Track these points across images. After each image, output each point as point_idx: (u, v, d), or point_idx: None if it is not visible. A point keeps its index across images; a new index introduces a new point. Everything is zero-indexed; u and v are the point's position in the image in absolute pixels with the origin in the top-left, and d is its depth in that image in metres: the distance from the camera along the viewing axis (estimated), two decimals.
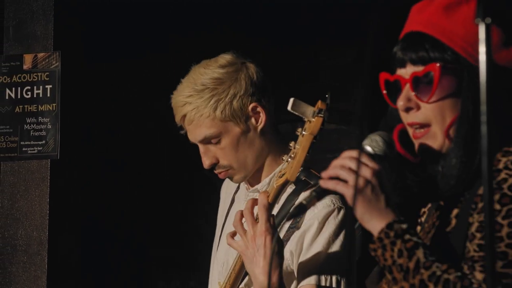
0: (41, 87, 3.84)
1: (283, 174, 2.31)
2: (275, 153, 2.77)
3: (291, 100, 2.25)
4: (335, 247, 2.56)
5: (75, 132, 3.87)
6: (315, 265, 2.54)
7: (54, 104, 3.81)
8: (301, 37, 4.41)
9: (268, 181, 2.76)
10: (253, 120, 2.74)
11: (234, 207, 2.92)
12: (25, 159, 3.82)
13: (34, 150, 3.82)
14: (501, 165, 1.84)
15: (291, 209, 2.30)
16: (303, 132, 2.26)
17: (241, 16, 4.34)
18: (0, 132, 3.88)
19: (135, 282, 4.16)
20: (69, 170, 3.84)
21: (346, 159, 1.91)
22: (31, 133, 3.84)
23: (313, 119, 2.24)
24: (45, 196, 3.77)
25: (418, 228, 2.08)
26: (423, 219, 2.08)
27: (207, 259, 3.13)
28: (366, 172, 1.88)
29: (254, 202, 2.37)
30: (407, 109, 1.95)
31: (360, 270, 2.28)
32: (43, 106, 3.83)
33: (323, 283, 2.51)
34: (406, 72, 1.95)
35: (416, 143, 1.97)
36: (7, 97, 3.89)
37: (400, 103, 1.94)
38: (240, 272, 2.51)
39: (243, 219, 2.40)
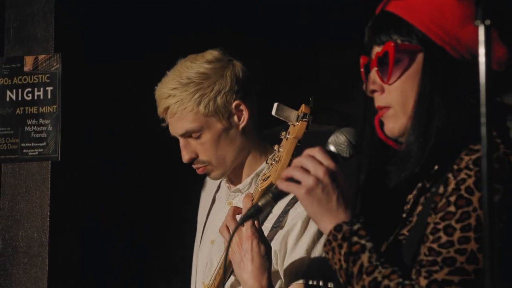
0: (42, 89, 3.85)
1: (267, 177, 2.31)
2: (256, 153, 2.78)
3: (275, 105, 2.26)
4: (320, 245, 2.56)
5: (76, 134, 3.87)
6: (302, 265, 2.54)
7: (55, 106, 3.82)
8: (301, 37, 4.39)
9: (250, 181, 2.77)
10: (235, 118, 2.75)
11: (216, 206, 2.93)
12: (26, 160, 3.84)
13: (35, 152, 3.83)
14: (462, 164, 1.78)
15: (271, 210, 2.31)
16: (287, 136, 2.26)
17: (241, 16, 4.33)
18: (1, 134, 3.90)
19: (136, 282, 4.16)
20: (70, 172, 3.85)
21: (303, 158, 1.87)
22: (32, 134, 3.85)
23: (298, 123, 2.23)
24: (45, 197, 3.77)
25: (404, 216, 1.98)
26: (409, 206, 1.99)
27: None
28: (318, 171, 1.84)
29: (236, 210, 2.38)
30: (372, 92, 1.90)
31: None
32: (44, 108, 3.84)
33: (310, 282, 2.51)
34: (374, 53, 1.90)
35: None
36: (7, 99, 3.90)
37: (367, 86, 1.90)
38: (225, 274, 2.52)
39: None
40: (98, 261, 3.99)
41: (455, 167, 1.79)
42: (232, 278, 2.56)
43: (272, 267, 2.53)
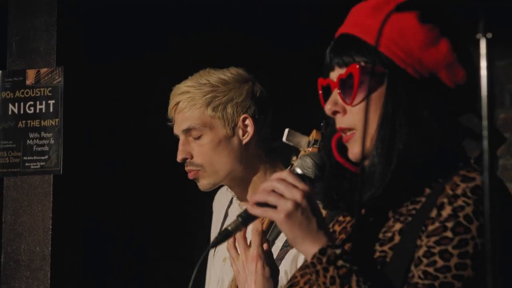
0: (44, 102, 3.86)
1: None
2: (262, 169, 2.79)
3: (286, 130, 2.28)
4: None
5: (78, 147, 3.88)
6: None
7: (57, 119, 3.83)
8: (301, 37, 4.39)
9: None
10: (240, 131, 2.77)
11: (228, 222, 2.94)
12: (28, 174, 3.84)
13: (37, 165, 3.84)
14: (459, 191, 1.80)
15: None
16: None
17: (241, 16, 4.33)
18: (3, 148, 3.90)
19: (136, 283, 4.17)
20: (72, 185, 3.86)
21: (274, 181, 1.85)
22: (34, 148, 3.86)
23: (309, 149, 2.25)
24: (48, 211, 3.78)
25: None
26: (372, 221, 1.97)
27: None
28: (296, 195, 1.82)
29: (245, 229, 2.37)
30: (334, 113, 1.90)
31: None
32: (46, 122, 3.85)
33: None
34: (335, 75, 1.91)
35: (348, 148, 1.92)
36: (10, 113, 3.90)
37: (328, 106, 1.90)
38: None
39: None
40: (98, 263, 4.00)
41: (450, 192, 1.80)
42: None
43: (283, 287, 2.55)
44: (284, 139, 2.27)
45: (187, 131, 2.77)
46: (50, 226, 3.76)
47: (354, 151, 1.89)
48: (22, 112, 3.89)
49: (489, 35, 1.48)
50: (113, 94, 4.04)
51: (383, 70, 1.85)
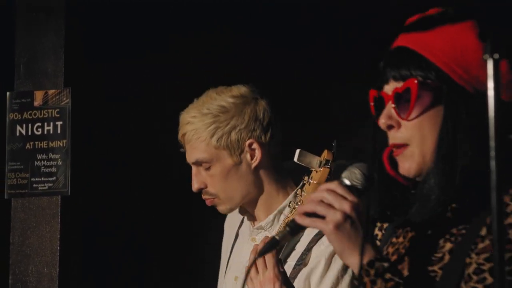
0: (51, 123, 3.87)
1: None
2: (273, 190, 2.79)
3: (297, 151, 2.28)
4: (345, 282, 2.57)
5: (85, 168, 3.89)
6: None
7: (64, 141, 3.84)
8: (301, 38, 4.38)
9: (272, 218, 2.78)
10: (248, 156, 2.77)
11: (239, 242, 2.94)
12: (35, 195, 3.85)
13: (44, 186, 3.84)
14: (509, 209, 1.78)
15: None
16: (310, 181, 2.28)
17: (241, 16, 4.33)
18: (11, 169, 3.91)
19: (136, 283, 4.16)
20: (80, 206, 3.86)
21: (323, 192, 1.85)
22: (42, 169, 3.86)
23: (320, 169, 2.25)
24: (55, 232, 3.78)
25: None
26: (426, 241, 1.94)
27: (210, 262, 3.14)
28: (345, 206, 1.81)
29: None
30: (389, 127, 1.88)
31: None
32: (54, 143, 3.86)
33: None
34: (389, 88, 1.89)
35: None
36: (18, 134, 3.92)
37: (382, 120, 1.88)
38: None
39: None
40: (98, 263, 3.99)
41: None
42: None
43: None
44: (295, 159, 2.27)
45: (196, 163, 2.79)
46: (58, 247, 3.77)
47: (405, 166, 1.87)
48: (30, 133, 3.90)
49: (496, 55, 1.49)
50: (121, 116, 4.05)
51: (441, 86, 1.84)
